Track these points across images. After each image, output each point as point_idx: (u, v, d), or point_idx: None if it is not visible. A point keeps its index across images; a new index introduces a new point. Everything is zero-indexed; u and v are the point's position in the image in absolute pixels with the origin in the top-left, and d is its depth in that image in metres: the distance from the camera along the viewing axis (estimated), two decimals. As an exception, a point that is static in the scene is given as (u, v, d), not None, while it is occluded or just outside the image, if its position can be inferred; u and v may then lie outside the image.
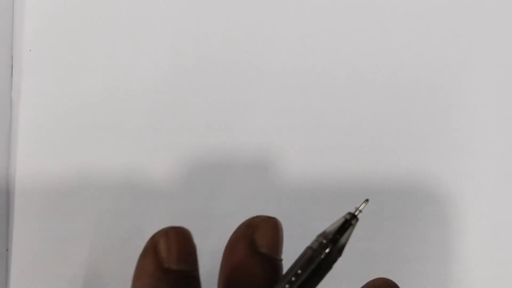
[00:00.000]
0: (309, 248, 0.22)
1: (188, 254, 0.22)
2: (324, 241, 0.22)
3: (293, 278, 0.21)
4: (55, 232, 0.32)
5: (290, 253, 0.32)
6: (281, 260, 0.23)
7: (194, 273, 0.22)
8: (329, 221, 0.30)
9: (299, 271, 0.21)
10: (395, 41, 0.34)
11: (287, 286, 0.21)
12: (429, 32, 0.34)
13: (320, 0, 0.34)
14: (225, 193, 0.33)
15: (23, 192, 0.32)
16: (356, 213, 0.22)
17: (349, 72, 0.33)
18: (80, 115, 0.33)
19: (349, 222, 0.22)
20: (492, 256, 0.33)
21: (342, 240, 0.22)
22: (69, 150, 0.32)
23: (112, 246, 0.32)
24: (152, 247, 0.22)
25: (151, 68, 0.33)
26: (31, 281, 0.32)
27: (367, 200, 0.23)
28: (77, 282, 0.32)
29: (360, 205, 0.22)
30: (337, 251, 0.22)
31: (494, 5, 0.34)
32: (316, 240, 0.22)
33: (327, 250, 0.21)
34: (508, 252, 0.33)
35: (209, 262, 0.31)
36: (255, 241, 0.23)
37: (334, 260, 0.22)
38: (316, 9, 0.34)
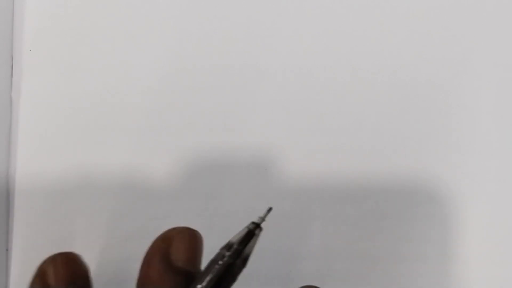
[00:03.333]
0: (212, 261, 0.21)
1: (77, 278, 0.22)
2: (227, 253, 0.21)
3: None
4: (55, 232, 0.32)
5: (291, 253, 0.32)
6: (199, 271, 0.22)
7: None
8: (329, 221, 0.30)
9: (204, 284, 0.21)
10: (395, 41, 0.33)
11: None
12: (429, 32, 0.34)
13: (320, 0, 0.34)
14: (225, 193, 0.32)
15: (23, 192, 0.32)
16: (259, 223, 0.22)
17: (349, 72, 0.33)
18: (80, 115, 0.33)
19: (252, 232, 0.21)
20: (492, 256, 0.33)
21: (247, 250, 0.21)
22: (69, 150, 0.32)
23: (112, 246, 0.32)
24: (40, 275, 0.21)
25: (151, 68, 0.33)
26: (31, 281, 0.32)
27: (270, 208, 0.22)
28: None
29: (264, 214, 0.22)
30: (241, 263, 0.21)
31: (494, 5, 0.34)
32: (219, 252, 0.21)
33: (229, 262, 0.21)
34: (508, 252, 0.33)
35: (209, 262, 0.31)
36: (170, 255, 0.22)
37: (239, 272, 0.21)
38: (316, 9, 0.34)
